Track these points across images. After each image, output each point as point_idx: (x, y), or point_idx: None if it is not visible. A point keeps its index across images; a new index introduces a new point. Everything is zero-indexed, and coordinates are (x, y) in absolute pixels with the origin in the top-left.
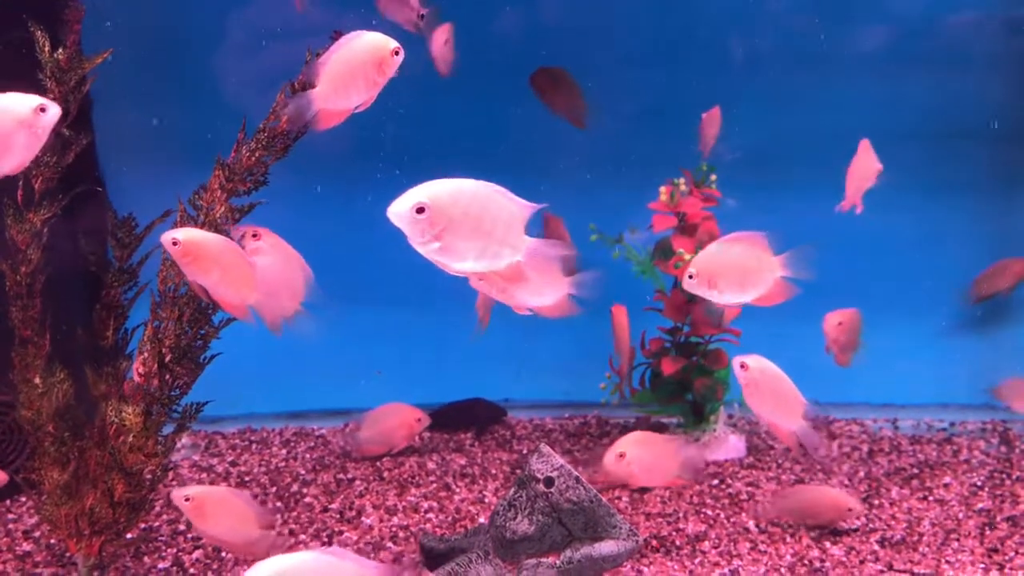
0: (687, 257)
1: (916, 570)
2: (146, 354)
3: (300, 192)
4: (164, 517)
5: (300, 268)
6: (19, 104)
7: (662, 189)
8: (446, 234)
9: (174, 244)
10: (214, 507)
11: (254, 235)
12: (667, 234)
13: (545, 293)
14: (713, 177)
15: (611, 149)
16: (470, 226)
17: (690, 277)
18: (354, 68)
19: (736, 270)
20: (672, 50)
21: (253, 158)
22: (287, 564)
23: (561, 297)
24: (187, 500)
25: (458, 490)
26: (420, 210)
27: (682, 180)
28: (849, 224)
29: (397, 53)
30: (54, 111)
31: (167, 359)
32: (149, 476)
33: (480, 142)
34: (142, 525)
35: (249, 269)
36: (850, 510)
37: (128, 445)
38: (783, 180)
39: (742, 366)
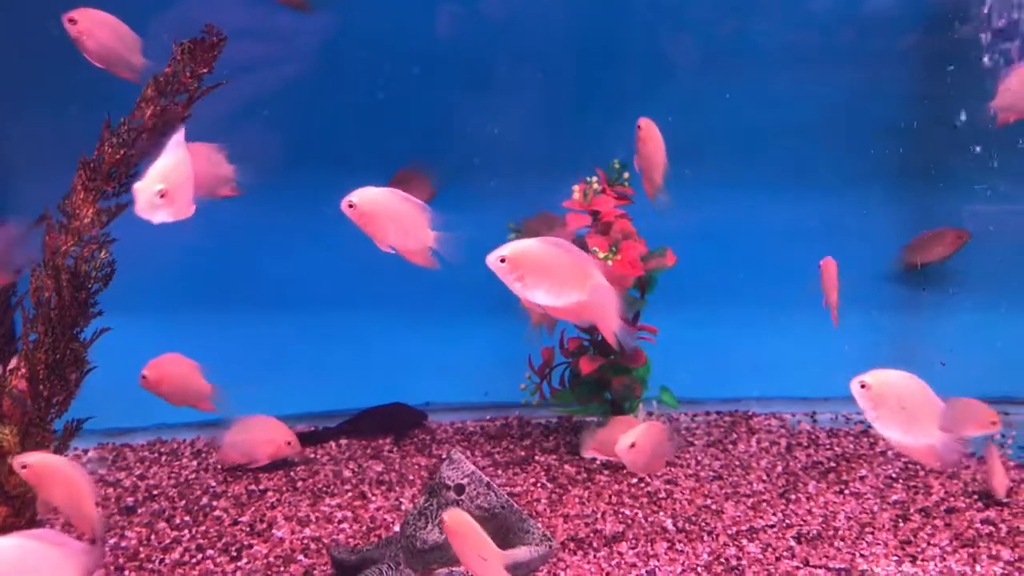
0: (601, 255)
1: (831, 565)
2: (23, 370)
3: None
4: None
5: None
6: None
7: (575, 188)
8: None
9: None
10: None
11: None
12: (582, 232)
13: (410, 239)
14: (626, 175)
15: (527, 148)
16: None
17: (501, 261)
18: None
19: (550, 276)
20: (589, 48)
21: (117, 155)
22: None
23: (424, 249)
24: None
25: (374, 498)
26: None
27: (595, 179)
28: (764, 218)
29: None
30: None
31: (41, 375)
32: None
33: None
34: None
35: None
36: (994, 423)
37: (8, 467)
38: (698, 176)
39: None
